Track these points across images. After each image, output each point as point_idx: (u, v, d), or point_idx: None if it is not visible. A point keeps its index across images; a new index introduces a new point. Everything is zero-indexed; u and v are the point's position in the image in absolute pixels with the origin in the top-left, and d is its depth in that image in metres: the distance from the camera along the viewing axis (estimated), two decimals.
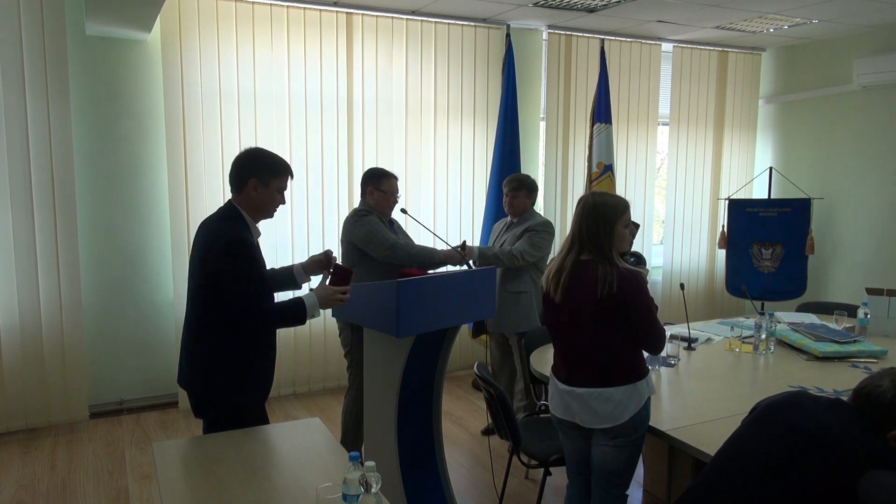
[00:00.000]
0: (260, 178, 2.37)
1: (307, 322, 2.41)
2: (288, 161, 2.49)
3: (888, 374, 1.85)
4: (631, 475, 2.47)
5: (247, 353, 2.38)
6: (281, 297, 2.49)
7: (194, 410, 2.50)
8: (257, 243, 2.40)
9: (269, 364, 2.48)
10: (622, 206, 2.39)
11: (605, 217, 2.34)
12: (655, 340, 2.40)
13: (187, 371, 2.44)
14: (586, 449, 2.48)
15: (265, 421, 2.50)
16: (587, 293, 2.31)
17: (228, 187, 4.76)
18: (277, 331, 2.51)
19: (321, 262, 2.62)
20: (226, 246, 2.26)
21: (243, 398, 2.41)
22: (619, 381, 2.34)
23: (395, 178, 3.54)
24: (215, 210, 2.47)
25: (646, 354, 3.17)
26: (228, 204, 2.43)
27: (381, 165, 4.93)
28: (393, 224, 3.57)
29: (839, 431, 1.79)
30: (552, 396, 2.53)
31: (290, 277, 2.66)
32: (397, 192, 3.53)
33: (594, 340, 2.35)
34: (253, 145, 2.52)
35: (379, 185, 3.47)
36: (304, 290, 2.62)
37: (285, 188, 2.45)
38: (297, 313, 2.33)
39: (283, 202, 2.45)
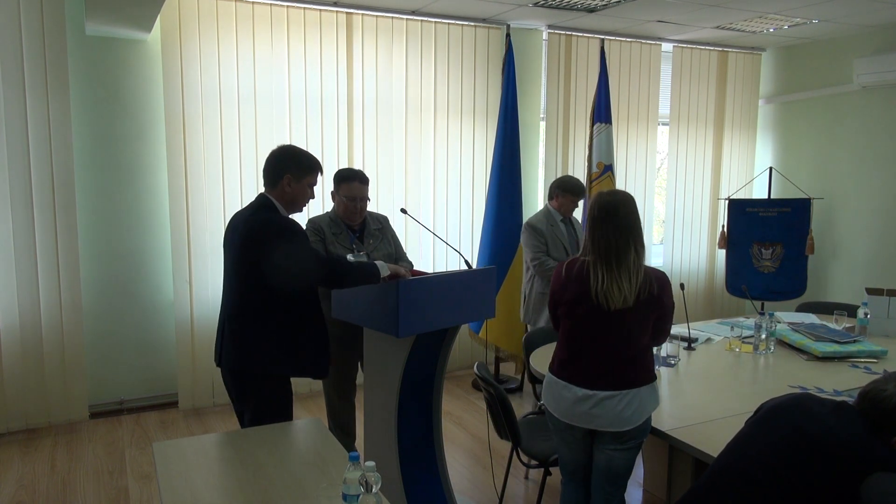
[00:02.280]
0: (294, 173, 2.55)
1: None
2: None
3: (893, 378, 1.85)
4: (630, 475, 2.48)
5: (300, 326, 2.55)
6: None
7: (238, 394, 2.60)
8: None
9: (324, 334, 2.65)
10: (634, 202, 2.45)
11: (637, 212, 2.38)
12: (667, 334, 2.49)
13: (243, 351, 2.53)
14: (586, 454, 2.48)
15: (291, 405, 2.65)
16: (632, 296, 2.30)
17: (228, 187, 4.80)
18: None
19: None
20: (282, 227, 2.46)
21: (295, 369, 2.59)
22: (643, 380, 2.37)
23: (359, 182, 3.20)
24: (247, 204, 2.65)
25: None
26: (262, 196, 2.59)
27: (381, 165, 4.98)
28: (362, 230, 3.28)
29: (844, 436, 1.79)
30: (560, 402, 2.43)
31: None
32: (358, 197, 3.19)
33: (632, 341, 2.35)
34: (286, 143, 2.73)
35: (338, 189, 3.22)
36: None
37: (316, 184, 2.63)
38: (372, 269, 2.54)
39: (313, 197, 2.63)
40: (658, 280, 2.34)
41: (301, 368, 2.60)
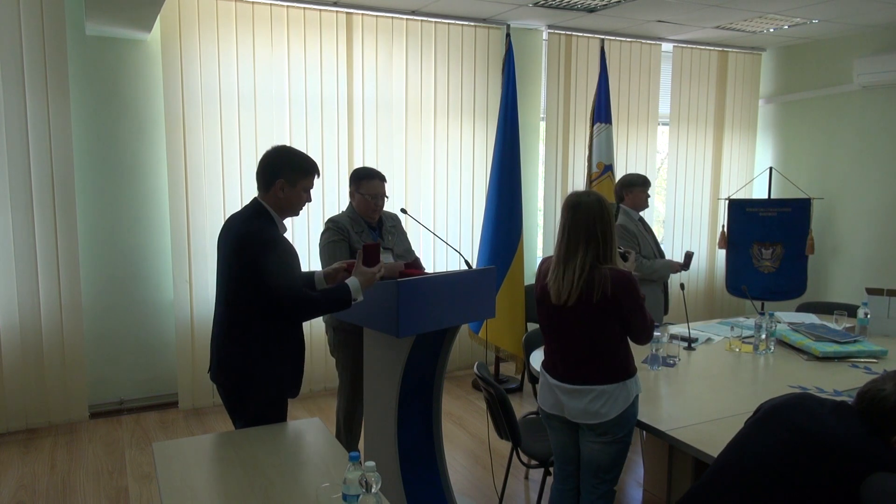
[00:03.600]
0: (288, 178, 2.41)
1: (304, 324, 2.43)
2: None
3: (891, 377, 1.85)
4: (619, 471, 2.50)
5: (281, 346, 2.44)
6: None
7: (229, 407, 2.53)
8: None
9: (301, 356, 2.54)
10: (613, 207, 2.45)
11: (608, 217, 2.37)
12: (644, 332, 2.45)
13: (226, 367, 2.46)
14: (572, 444, 2.53)
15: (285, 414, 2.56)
16: (584, 295, 2.33)
17: (228, 187, 4.80)
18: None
19: (340, 271, 2.66)
20: (262, 244, 2.32)
21: (279, 390, 2.47)
22: (610, 378, 2.37)
23: (379, 179, 3.26)
24: (241, 208, 2.53)
25: (645, 356, 3.19)
26: (255, 202, 2.47)
27: (381, 165, 4.96)
28: (380, 227, 3.33)
29: (844, 436, 1.79)
30: (542, 391, 2.57)
31: (310, 284, 2.68)
32: (379, 194, 3.26)
33: (589, 340, 2.38)
34: (281, 143, 2.55)
35: (358, 187, 3.26)
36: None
37: (312, 187, 2.49)
38: (343, 297, 2.39)
39: (310, 200, 2.50)
40: (615, 281, 2.31)
41: (275, 385, 2.48)
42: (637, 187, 4.18)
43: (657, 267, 4.06)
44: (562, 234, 2.39)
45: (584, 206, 2.36)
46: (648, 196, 4.26)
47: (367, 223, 3.30)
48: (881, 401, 1.80)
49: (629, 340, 2.46)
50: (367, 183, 3.26)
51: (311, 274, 2.72)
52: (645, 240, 4.16)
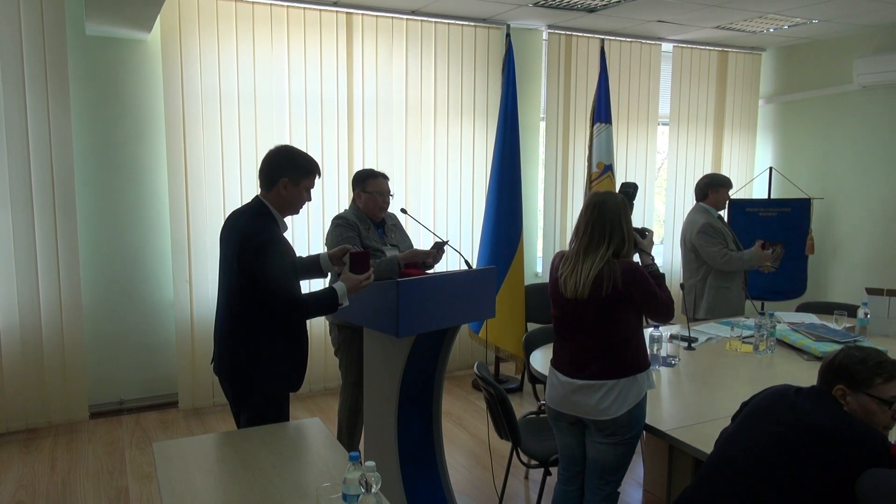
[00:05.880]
0: (291, 177, 2.47)
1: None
2: None
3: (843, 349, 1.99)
4: (624, 472, 2.50)
5: (282, 342, 2.48)
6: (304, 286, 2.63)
7: (232, 401, 2.58)
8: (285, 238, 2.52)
9: (304, 351, 2.58)
10: (627, 205, 2.47)
11: (626, 214, 2.41)
12: (664, 312, 2.45)
13: (229, 361, 2.50)
14: (578, 444, 2.53)
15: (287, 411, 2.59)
16: (594, 289, 2.34)
17: (228, 187, 4.79)
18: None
19: (346, 251, 2.69)
20: (261, 246, 2.36)
21: (281, 385, 2.51)
22: (620, 373, 2.38)
23: (383, 178, 3.37)
24: (243, 204, 2.59)
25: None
26: (257, 200, 2.52)
27: (381, 165, 4.97)
28: (383, 225, 3.40)
29: (826, 420, 1.84)
30: (550, 389, 2.56)
31: (315, 266, 2.76)
32: (386, 192, 3.36)
33: (601, 334, 2.39)
34: (284, 143, 2.61)
35: (364, 187, 3.34)
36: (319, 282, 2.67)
37: (313, 187, 2.55)
38: (331, 302, 2.45)
39: (310, 199, 2.55)
40: (625, 273, 2.33)
41: (278, 380, 2.50)
42: (723, 187, 4.37)
43: (747, 258, 4.19)
44: (585, 229, 2.40)
45: (610, 204, 2.40)
46: (729, 197, 4.45)
47: (372, 222, 3.36)
48: (829, 363, 1.96)
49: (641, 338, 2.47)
50: (373, 182, 3.34)
51: (317, 256, 2.78)
52: (729, 236, 4.32)
